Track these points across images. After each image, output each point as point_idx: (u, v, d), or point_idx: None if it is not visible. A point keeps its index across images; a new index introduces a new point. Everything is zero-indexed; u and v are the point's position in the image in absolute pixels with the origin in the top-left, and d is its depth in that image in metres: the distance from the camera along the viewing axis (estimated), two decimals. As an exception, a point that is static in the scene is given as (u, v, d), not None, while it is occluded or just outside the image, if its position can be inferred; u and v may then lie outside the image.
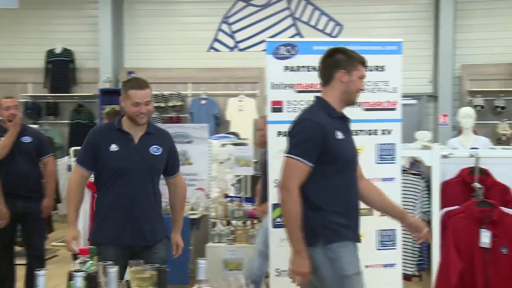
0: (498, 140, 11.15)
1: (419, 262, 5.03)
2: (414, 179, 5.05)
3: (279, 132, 4.22)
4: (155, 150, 4.11)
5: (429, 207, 4.86)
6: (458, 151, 5.37)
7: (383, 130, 4.33)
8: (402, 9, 12.52)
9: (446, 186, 4.77)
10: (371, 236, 4.29)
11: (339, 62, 3.49)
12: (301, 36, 12.22)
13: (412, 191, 5.02)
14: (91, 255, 2.96)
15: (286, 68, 4.20)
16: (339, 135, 3.42)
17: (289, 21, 12.60)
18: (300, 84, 4.23)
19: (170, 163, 4.21)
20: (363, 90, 3.59)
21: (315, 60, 4.19)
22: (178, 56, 12.18)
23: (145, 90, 4.06)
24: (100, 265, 2.79)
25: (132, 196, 4.04)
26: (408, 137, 6.47)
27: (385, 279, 4.27)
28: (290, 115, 4.18)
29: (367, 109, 4.31)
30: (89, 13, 12.41)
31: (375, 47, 4.31)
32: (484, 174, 4.69)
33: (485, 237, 4.39)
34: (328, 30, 12.53)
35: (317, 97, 3.57)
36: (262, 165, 5.83)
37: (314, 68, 4.21)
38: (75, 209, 4.12)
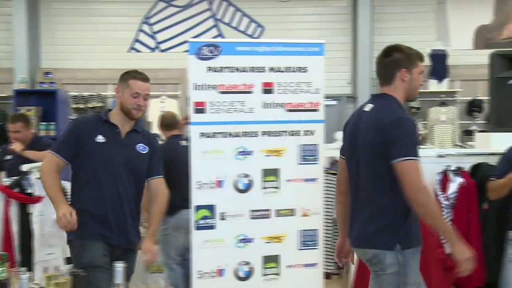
0: (414, 140, 11.46)
1: (340, 260, 5.12)
2: (334, 179, 5.12)
3: (202, 133, 4.19)
4: (142, 148, 3.98)
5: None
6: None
7: (305, 131, 4.36)
8: (321, 12, 12.72)
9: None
10: (293, 236, 4.32)
11: (399, 61, 3.49)
12: (223, 37, 12.22)
13: (332, 191, 5.09)
14: (2, 262, 2.87)
15: (209, 68, 4.18)
16: None
17: (211, 22, 12.58)
18: (223, 85, 4.22)
19: (153, 164, 4.05)
20: (422, 85, 3.60)
21: (238, 60, 4.23)
22: (97, 57, 11.94)
23: (147, 84, 3.95)
24: (11, 271, 2.71)
25: (115, 195, 3.87)
26: (328, 137, 6.59)
27: (306, 278, 4.31)
28: (213, 116, 4.17)
29: (290, 110, 4.33)
30: (2, 11, 11.99)
31: (298, 48, 4.35)
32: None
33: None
34: (250, 32, 12.58)
35: (387, 94, 3.53)
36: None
37: (237, 69, 4.23)
38: (59, 189, 3.86)
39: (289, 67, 4.28)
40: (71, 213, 3.70)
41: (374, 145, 3.35)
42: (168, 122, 6.00)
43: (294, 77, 4.29)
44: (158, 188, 4.09)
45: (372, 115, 3.45)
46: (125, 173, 3.89)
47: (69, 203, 3.87)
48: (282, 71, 4.29)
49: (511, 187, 4.34)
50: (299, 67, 4.30)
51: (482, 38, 12.62)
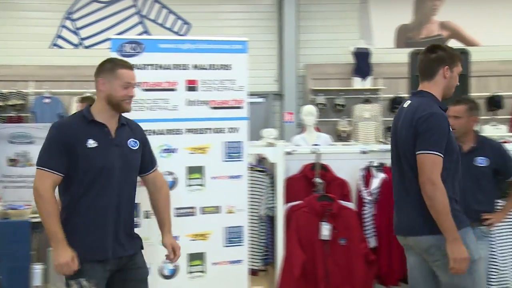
0: (339, 137, 11.65)
1: (265, 257, 5.15)
2: (259, 175, 5.16)
3: (125, 131, 4.15)
4: (133, 144, 3.59)
5: (274, 203, 4.99)
6: (301, 148, 5.58)
7: (230, 128, 4.39)
8: (247, 9, 12.79)
9: (289, 182, 4.93)
10: (218, 233, 4.34)
11: (443, 58, 3.65)
12: (149, 34, 12.11)
13: (258, 188, 5.12)
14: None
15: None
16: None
17: (136, 19, 12.45)
18: (147, 82, 4.20)
19: (147, 157, 3.70)
20: (458, 84, 3.77)
21: (161, 58, 4.21)
22: (18, 53, 11.60)
23: (134, 71, 3.60)
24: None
25: (116, 201, 3.50)
26: (255, 135, 6.64)
27: (232, 275, 4.34)
28: (136, 113, 4.13)
29: (214, 108, 4.35)
30: None
31: (222, 46, 4.36)
32: (325, 170, 4.91)
33: (325, 230, 4.61)
34: (176, 29, 12.51)
35: (424, 91, 3.67)
36: None
37: (160, 66, 4.22)
38: (59, 221, 3.36)
39: (213, 65, 4.30)
40: (73, 258, 3.34)
41: (408, 139, 3.56)
42: None
43: (218, 74, 4.31)
44: (158, 179, 3.78)
45: (409, 110, 3.63)
46: (123, 177, 3.53)
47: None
48: (206, 69, 4.30)
49: None
50: (223, 65, 4.31)
51: (403, 37, 12.95)
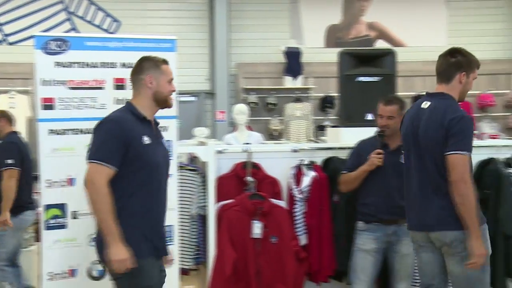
0: (270, 135, 11.70)
1: (197, 256, 5.12)
2: (190, 174, 5.13)
3: (51, 130, 4.05)
4: (165, 141, 3.75)
5: (205, 202, 4.97)
6: (232, 147, 5.56)
7: (160, 127, 4.32)
8: (178, 8, 12.70)
9: (221, 181, 4.91)
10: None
11: (461, 63, 3.80)
12: (77, 32, 11.88)
13: (189, 187, 5.09)
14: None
15: (57, 64, 4.05)
16: None
17: (63, 15, 12.18)
18: (73, 80, 4.10)
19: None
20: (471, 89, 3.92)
21: (88, 56, 4.12)
22: None
23: None
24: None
25: (163, 199, 3.58)
26: (187, 134, 6.59)
27: (163, 275, 4.28)
28: (62, 112, 4.04)
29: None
30: None
31: (150, 44, 4.29)
32: (256, 168, 4.90)
33: (257, 228, 4.60)
34: (105, 26, 12.30)
35: (445, 93, 3.80)
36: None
37: (87, 64, 4.12)
38: (115, 219, 3.31)
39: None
40: (130, 255, 3.31)
41: (438, 139, 3.69)
42: (11, 117, 6.03)
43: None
44: None
45: (434, 111, 3.77)
46: (165, 173, 3.61)
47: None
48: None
49: (362, 180, 4.55)
50: (152, 63, 4.24)
51: (333, 37, 13.10)
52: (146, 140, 3.42)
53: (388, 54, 5.62)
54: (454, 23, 13.17)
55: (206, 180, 4.96)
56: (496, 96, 12.66)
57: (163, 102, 3.57)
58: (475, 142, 4.79)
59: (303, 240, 4.84)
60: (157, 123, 3.65)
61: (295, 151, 5.03)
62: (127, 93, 4.19)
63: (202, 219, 5.06)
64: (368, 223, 4.54)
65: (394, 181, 4.41)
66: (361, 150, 4.63)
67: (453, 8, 13.19)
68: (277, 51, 12.11)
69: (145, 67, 3.55)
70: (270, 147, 6.17)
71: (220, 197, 4.85)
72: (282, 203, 4.83)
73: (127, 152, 3.36)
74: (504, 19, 13.42)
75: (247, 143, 5.58)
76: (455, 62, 3.82)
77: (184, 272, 5.12)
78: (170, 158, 3.70)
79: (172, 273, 4.32)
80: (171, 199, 4.30)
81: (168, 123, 4.34)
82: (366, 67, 5.54)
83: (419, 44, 13.01)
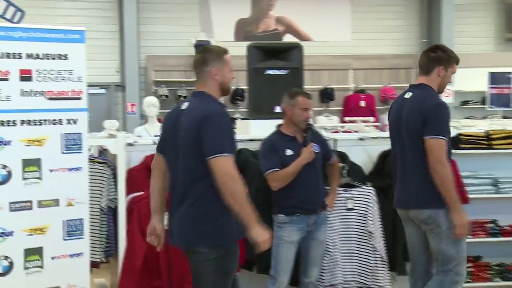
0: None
1: (107, 249, 5.03)
2: (100, 167, 5.02)
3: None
4: None
5: (115, 194, 4.88)
6: (143, 139, 5.49)
7: (68, 120, 4.21)
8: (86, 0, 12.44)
9: (131, 173, 4.84)
10: (57, 227, 4.16)
11: (440, 59, 4.13)
12: (-19, 21, 11.39)
13: (99, 179, 4.98)
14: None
15: (-40, 54, 3.87)
16: None
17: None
18: (-23, 71, 3.93)
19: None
20: (450, 82, 4.33)
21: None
22: None
23: None
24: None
25: None
26: (97, 126, 6.41)
27: (72, 268, 4.18)
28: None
29: (51, 99, 4.14)
30: None
31: (57, 35, 4.16)
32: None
33: (167, 220, 4.54)
34: (8, 16, 11.82)
35: (425, 84, 4.13)
36: None
37: (-9, 55, 3.96)
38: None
39: (49, 54, 4.09)
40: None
41: (417, 126, 4.00)
42: None
43: (55, 64, 4.11)
44: None
45: (414, 100, 4.10)
46: None
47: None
48: (41, 58, 4.08)
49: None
50: (59, 54, 4.12)
51: (242, 31, 13.14)
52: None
53: (295, 48, 5.69)
54: (358, 19, 13.46)
55: (116, 173, 4.88)
56: (397, 90, 13.04)
57: (227, 91, 3.68)
58: (379, 133, 4.94)
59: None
60: None
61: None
62: (34, 85, 4.07)
63: (112, 212, 4.97)
64: (290, 215, 4.49)
65: (313, 173, 4.51)
66: (276, 146, 4.54)
67: (357, 5, 13.49)
68: (188, 44, 12.03)
69: (211, 59, 3.59)
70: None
71: (130, 189, 4.79)
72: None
73: None
74: (404, 16, 13.85)
75: (158, 135, 5.51)
76: (435, 57, 4.15)
77: (94, 265, 5.02)
78: None
79: (82, 266, 4.23)
80: (80, 192, 4.24)
81: (78, 116, 4.23)
82: (274, 60, 5.59)
83: (325, 38, 13.23)
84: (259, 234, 3.42)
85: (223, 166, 3.38)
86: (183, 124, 3.45)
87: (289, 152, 4.48)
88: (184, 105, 3.55)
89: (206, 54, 3.62)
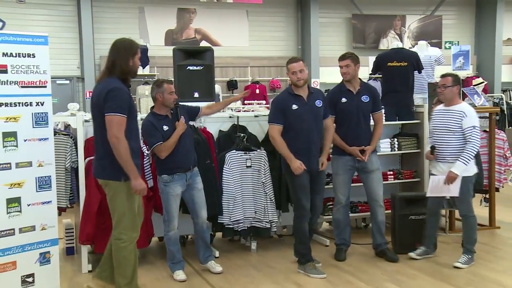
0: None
1: (71, 197, 4.85)
2: (64, 138, 4.82)
3: None
4: None
5: (77, 158, 4.70)
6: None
7: (37, 102, 3.96)
8: (53, 13, 11.99)
9: (88, 142, 4.66)
10: (31, 182, 3.94)
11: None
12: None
13: (63, 147, 4.79)
14: None
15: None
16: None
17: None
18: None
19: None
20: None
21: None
22: None
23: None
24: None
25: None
26: (64, 107, 6.15)
27: (44, 212, 3.98)
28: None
29: (23, 87, 3.88)
30: None
31: (27, 39, 3.89)
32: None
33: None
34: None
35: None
36: None
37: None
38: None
39: (20, 53, 3.82)
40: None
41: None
42: None
43: (25, 61, 3.84)
44: None
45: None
46: None
47: None
48: (14, 56, 3.80)
49: None
50: (28, 53, 3.85)
51: (170, 38, 12.91)
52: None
53: (208, 51, 5.61)
54: (253, 31, 13.52)
55: (77, 142, 4.69)
56: (282, 82, 13.24)
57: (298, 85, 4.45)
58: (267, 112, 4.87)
59: (150, 183, 4.72)
60: None
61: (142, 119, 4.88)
62: (10, 76, 3.82)
63: (74, 171, 4.79)
64: (172, 174, 4.25)
65: (187, 139, 4.36)
66: (156, 125, 4.24)
67: (252, 21, 13.53)
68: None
69: (287, 63, 4.55)
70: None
71: (87, 154, 4.62)
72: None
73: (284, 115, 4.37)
74: (286, 30, 14.03)
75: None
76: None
77: (62, 209, 4.85)
78: None
79: (51, 210, 4.06)
80: (48, 156, 4.03)
81: (44, 99, 3.99)
82: (193, 59, 5.50)
83: (230, 44, 13.21)
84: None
85: (271, 133, 4.40)
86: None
87: (165, 127, 4.23)
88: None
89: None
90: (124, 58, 3.60)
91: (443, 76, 4.63)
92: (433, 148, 4.66)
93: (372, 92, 4.82)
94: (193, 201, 4.42)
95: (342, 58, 4.74)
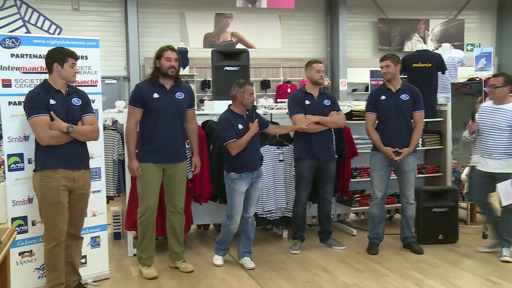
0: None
1: (118, 187, 4.93)
2: (112, 133, 4.90)
3: (10, 102, 3.67)
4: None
5: (123, 151, 4.76)
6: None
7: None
8: (104, 19, 12.09)
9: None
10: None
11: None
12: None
13: (111, 141, 4.86)
14: None
15: (12, 55, 3.65)
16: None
17: (20, 23, 11.18)
18: (25, 67, 3.71)
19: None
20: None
21: (35, 50, 3.75)
22: None
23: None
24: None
25: None
26: (112, 105, 6.25)
27: (94, 200, 4.01)
28: (17, 90, 3.67)
29: (77, 86, 3.92)
30: None
31: (81, 42, 3.96)
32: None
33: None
34: (51, 31, 11.45)
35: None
36: None
37: (35, 56, 3.75)
38: None
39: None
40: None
41: None
42: None
43: (79, 62, 3.88)
44: None
45: None
46: None
47: None
48: (69, 58, 3.88)
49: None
50: (82, 56, 3.92)
51: (208, 41, 12.92)
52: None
53: (244, 53, 5.60)
54: (285, 34, 13.41)
55: (123, 136, 4.74)
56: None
57: (316, 83, 4.70)
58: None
59: (189, 175, 4.73)
60: None
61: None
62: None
63: (121, 163, 4.86)
64: (240, 172, 4.16)
65: (255, 140, 4.29)
66: (232, 122, 4.17)
67: (284, 24, 13.42)
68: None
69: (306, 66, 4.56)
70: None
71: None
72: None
73: None
74: (315, 33, 13.84)
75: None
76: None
77: (110, 198, 4.94)
78: None
79: (101, 199, 4.13)
80: (98, 149, 4.09)
81: (95, 97, 4.05)
82: (230, 60, 5.50)
83: (263, 46, 13.15)
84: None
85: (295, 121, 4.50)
86: None
87: (240, 126, 4.17)
88: None
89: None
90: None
91: (494, 76, 4.47)
92: (473, 114, 4.50)
93: (413, 91, 4.65)
94: (249, 197, 4.27)
95: (382, 59, 4.67)
